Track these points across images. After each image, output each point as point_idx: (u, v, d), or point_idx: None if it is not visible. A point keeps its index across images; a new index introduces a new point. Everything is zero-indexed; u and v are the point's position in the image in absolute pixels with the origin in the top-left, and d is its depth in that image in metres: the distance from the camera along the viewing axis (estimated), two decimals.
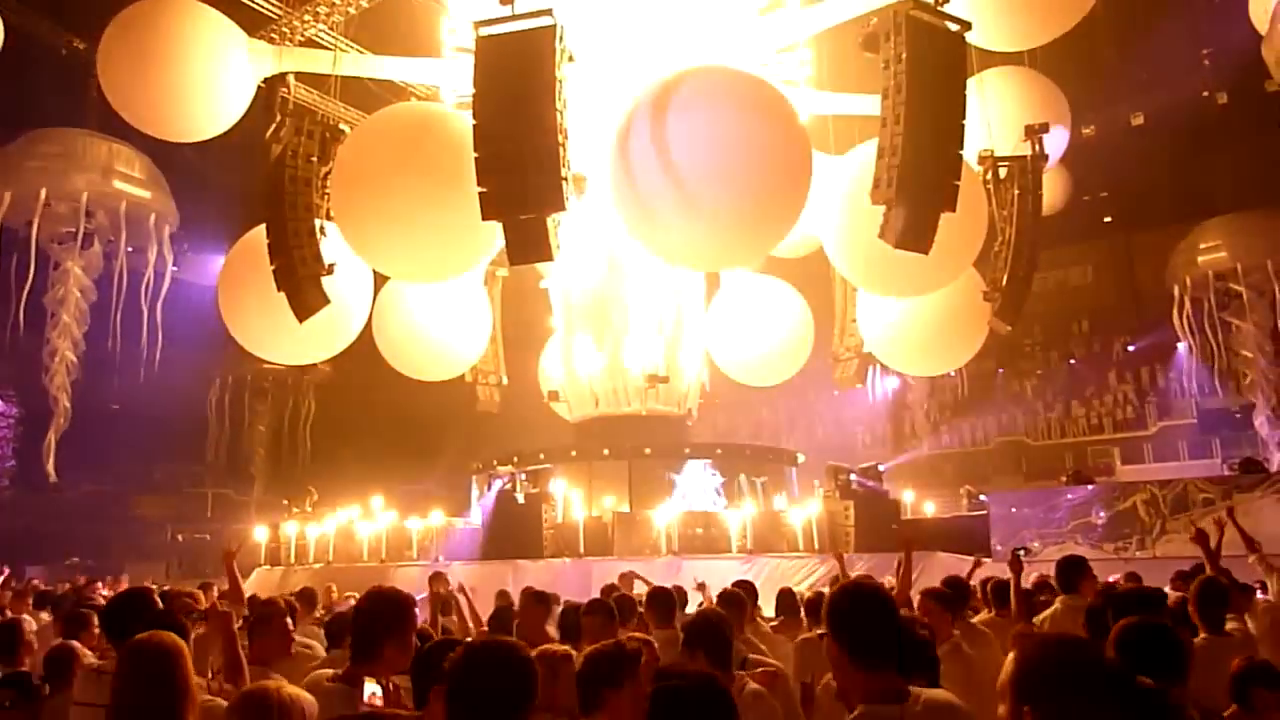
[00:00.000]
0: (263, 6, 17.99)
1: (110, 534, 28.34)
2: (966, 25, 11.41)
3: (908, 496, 17.25)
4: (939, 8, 11.24)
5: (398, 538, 16.11)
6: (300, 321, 13.11)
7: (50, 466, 22.32)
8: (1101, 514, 26.80)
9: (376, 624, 3.37)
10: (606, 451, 17.56)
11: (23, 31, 20.49)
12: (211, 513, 31.88)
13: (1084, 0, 13.72)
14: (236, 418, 32.72)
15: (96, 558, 26.19)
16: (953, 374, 26.24)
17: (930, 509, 17.56)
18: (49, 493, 24.02)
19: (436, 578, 11.26)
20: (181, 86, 15.13)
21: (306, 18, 17.29)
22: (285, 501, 18.80)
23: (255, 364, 26.74)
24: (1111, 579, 10.10)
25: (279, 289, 12.99)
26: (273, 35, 17.23)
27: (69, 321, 21.71)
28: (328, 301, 13.12)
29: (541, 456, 17.73)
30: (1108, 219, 32.58)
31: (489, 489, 16.11)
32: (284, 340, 15.12)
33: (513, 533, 14.94)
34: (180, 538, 30.56)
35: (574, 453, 17.94)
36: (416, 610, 3.60)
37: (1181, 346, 27.43)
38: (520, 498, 15.53)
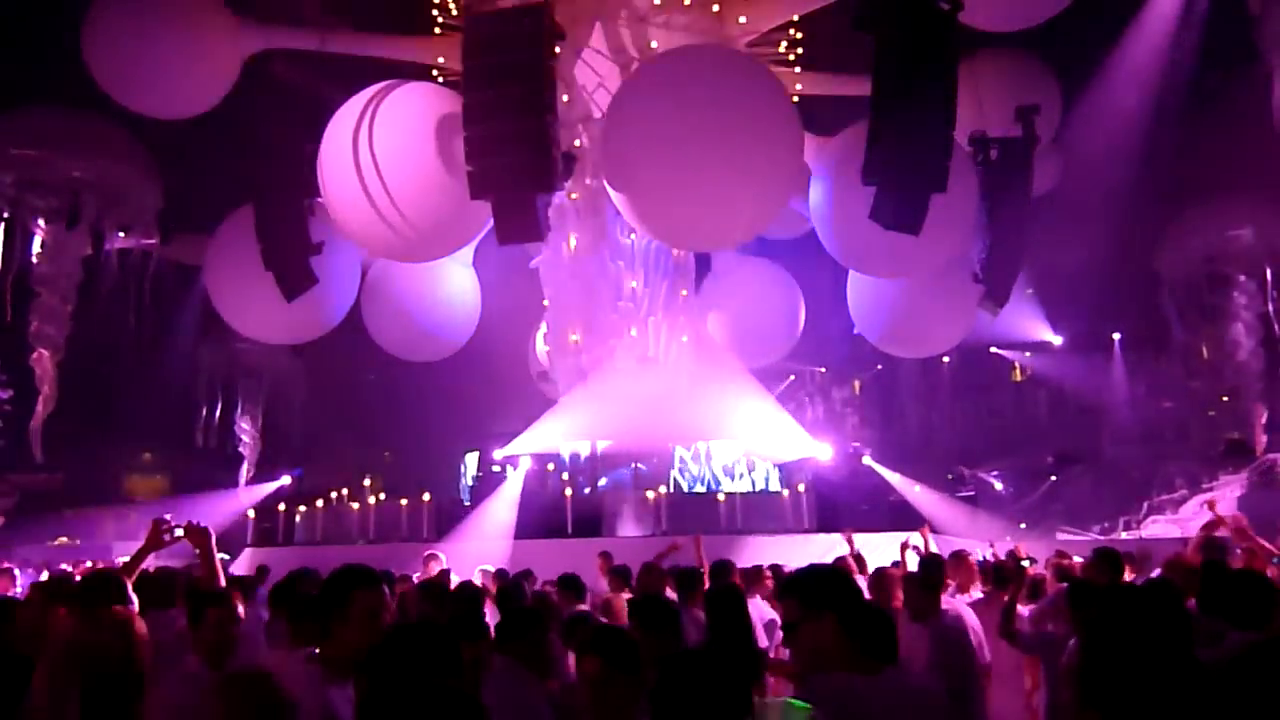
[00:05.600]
0: None
1: (98, 515, 28.26)
2: (958, 5, 11.37)
3: (895, 477, 17.33)
4: None
5: (387, 517, 16.10)
6: (288, 301, 13.07)
7: (37, 447, 22.22)
8: (1087, 495, 26.98)
9: (337, 599, 3.38)
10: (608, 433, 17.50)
11: (6, 8, 20.24)
12: (201, 493, 31.80)
13: None
14: (225, 398, 32.58)
15: (84, 539, 26.15)
16: (945, 359, 26.34)
17: (917, 489, 17.65)
18: (37, 473, 23.95)
19: (430, 558, 11.31)
20: (168, 63, 14.98)
21: None
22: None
23: (244, 344, 26.58)
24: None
25: (267, 268, 12.94)
26: (260, 13, 17.02)
27: (55, 302, 21.54)
28: (316, 281, 13.08)
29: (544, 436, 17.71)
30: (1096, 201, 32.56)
31: (514, 470, 15.93)
32: (272, 320, 15.06)
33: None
34: (170, 516, 30.47)
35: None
36: (383, 591, 3.52)
37: (1171, 328, 27.55)
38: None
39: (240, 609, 4.48)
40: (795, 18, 17.19)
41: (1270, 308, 24.85)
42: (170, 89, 15.44)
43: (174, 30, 14.86)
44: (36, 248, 21.47)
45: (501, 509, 14.70)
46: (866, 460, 16.86)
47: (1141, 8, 18.17)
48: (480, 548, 13.19)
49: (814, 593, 3.05)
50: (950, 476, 19.44)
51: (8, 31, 19.70)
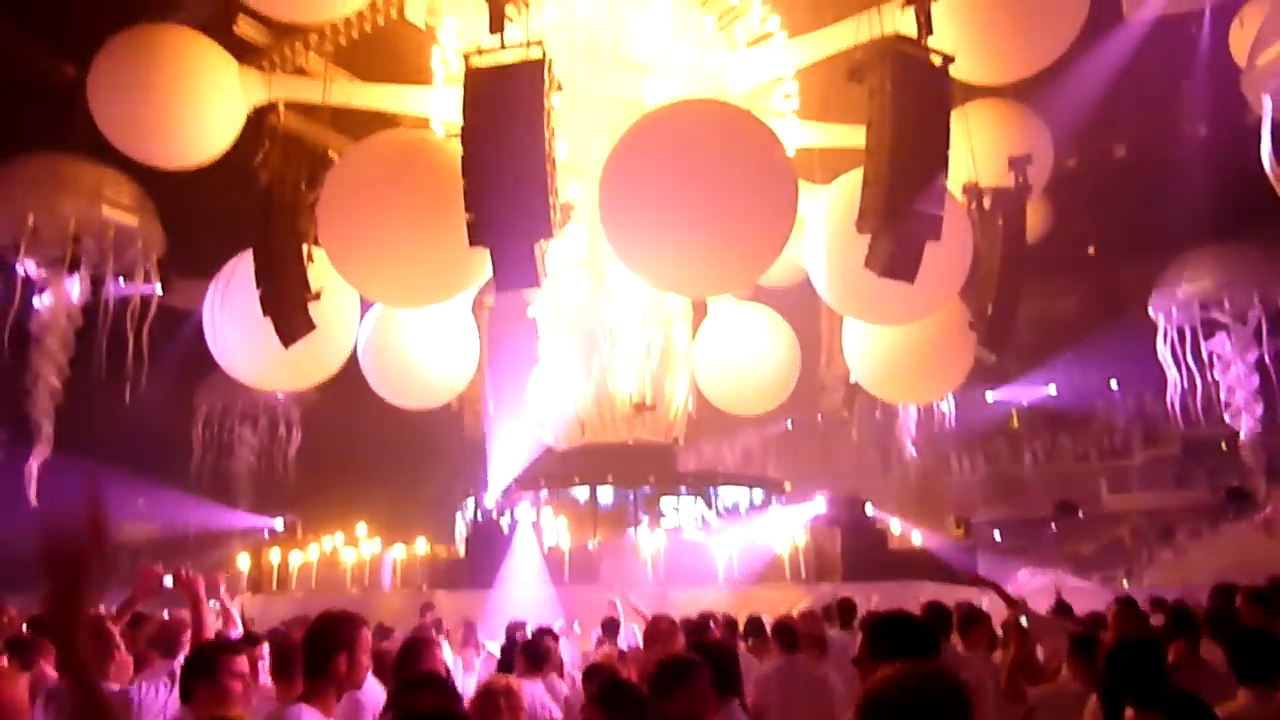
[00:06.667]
0: (254, 36, 18.06)
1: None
2: (950, 58, 11.57)
3: (895, 526, 17.24)
4: (922, 42, 11.40)
5: (381, 566, 15.99)
6: (285, 347, 13.07)
7: (32, 492, 22.09)
8: (1088, 544, 26.79)
9: (326, 640, 3.44)
10: (611, 479, 17.49)
11: (13, 57, 20.55)
12: (194, 542, 31.55)
13: (1064, 36, 13.93)
14: (221, 444, 32.49)
15: None
16: (941, 405, 26.28)
17: (917, 538, 17.54)
18: (31, 518, 23.71)
19: (426, 608, 11.23)
20: (172, 114, 15.15)
21: (298, 46, 17.37)
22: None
23: (241, 390, 26.56)
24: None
25: (265, 314, 12.96)
26: (264, 64, 17.30)
27: (53, 346, 21.56)
28: (313, 327, 13.09)
29: (541, 482, 17.74)
30: (1091, 249, 32.87)
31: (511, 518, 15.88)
32: (269, 366, 15.07)
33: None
34: (161, 567, 30.15)
35: (576, 478, 17.85)
36: (368, 631, 3.65)
37: (1167, 375, 27.59)
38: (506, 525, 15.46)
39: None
40: (791, 70, 17.49)
41: (1265, 353, 24.89)
42: (175, 139, 15.59)
43: (180, 81, 15.06)
44: (36, 293, 21.55)
45: (525, 557, 14.64)
46: (868, 509, 16.74)
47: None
48: (515, 595, 13.10)
49: (884, 640, 3.18)
50: (950, 524, 19.24)
51: (12, 78, 19.96)
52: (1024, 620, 6.76)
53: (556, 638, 7.14)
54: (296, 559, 16.49)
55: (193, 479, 32.02)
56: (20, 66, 21.08)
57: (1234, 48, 17.47)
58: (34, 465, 22.27)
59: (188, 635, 5.10)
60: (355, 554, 16.28)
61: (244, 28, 17.77)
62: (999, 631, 7.21)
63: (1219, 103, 21.80)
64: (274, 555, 16.78)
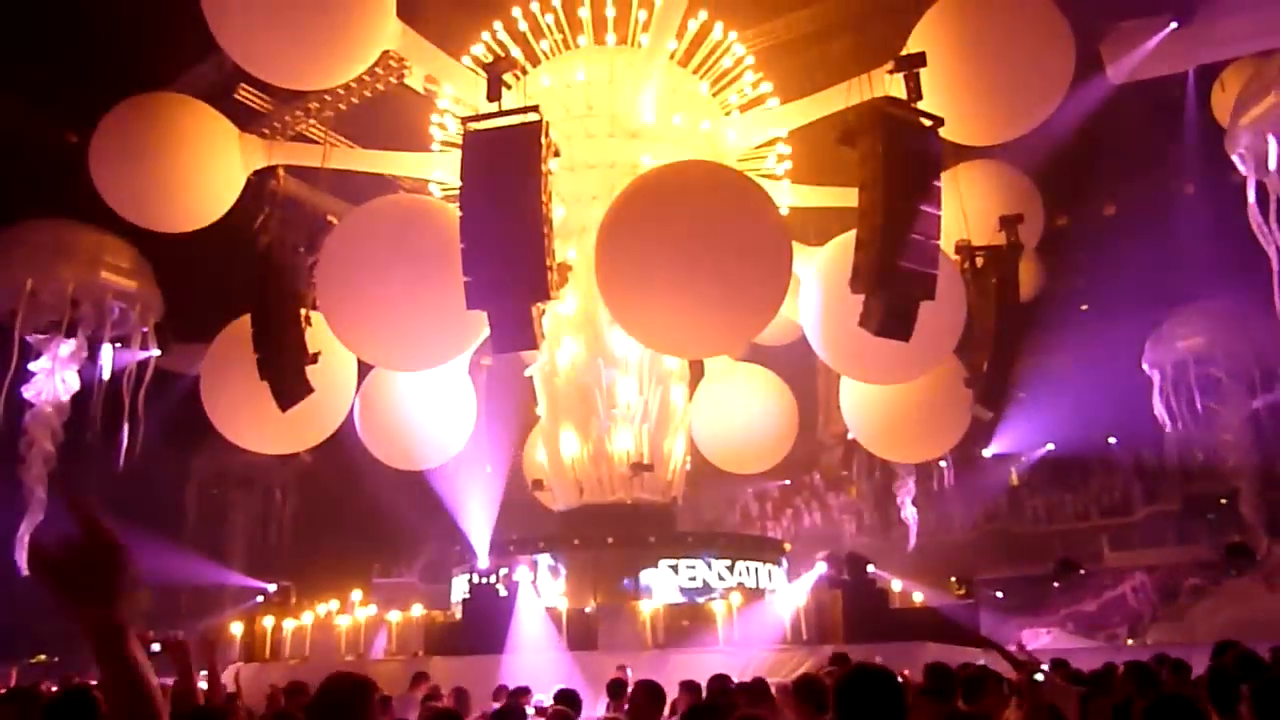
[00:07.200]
0: (255, 102, 18.39)
1: (80, 629, 27.53)
2: (939, 121, 11.77)
3: (896, 585, 17.04)
4: (912, 105, 11.61)
5: (377, 631, 15.74)
6: (283, 410, 13.04)
7: (23, 559, 21.80)
8: (1091, 602, 26.54)
9: (339, 708, 3.37)
10: (611, 540, 17.30)
11: (16, 124, 20.82)
12: (187, 607, 31.11)
13: (1051, 99, 14.18)
14: (215, 508, 32.25)
15: (65, 655, 25.41)
16: (942, 464, 26.20)
17: (918, 598, 17.33)
18: (19, 587, 23.39)
19: (420, 678, 11.02)
20: (172, 180, 15.31)
21: (298, 113, 17.67)
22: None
23: (236, 453, 26.43)
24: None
25: (262, 378, 12.95)
26: (264, 129, 17.55)
27: (48, 411, 21.48)
28: (311, 390, 13.07)
29: (541, 545, 17.56)
30: (1084, 306, 33.01)
31: (511, 579, 15.66)
32: (266, 429, 15.00)
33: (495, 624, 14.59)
34: (152, 632, 29.71)
35: (576, 541, 17.67)
36: (378, 696, 3.58)
37: (1165, 431, 27.59)
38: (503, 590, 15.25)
39: None
40: (784, 134, 17.79)
41: (1260, 407, 24.92)
42: (175, 204, 15.71)
43: (180, 147, 15.25)
44: (32, 358, 21.53)
45: (525, 621, 14.40)
46: (870, 569, 16.55)
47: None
48: (516, 661, 12.86)
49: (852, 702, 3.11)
50: (951, 583, 18.97)
51: (13, 145, 20.18)
52: (1039, 676, 6.65)
53: (579, 702, 6.96)
54: (290, 625, 16.24)
55: (187, 543, 31.68)
56: (22, 134, 21.34)
57: (1216, 110, 17.84)
58: (24, 533, 22.02)
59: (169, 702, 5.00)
60: (350, 619, 16.04)
61: (244, 95, 18.10)
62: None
63: (1206, 160, 22.14)
64: (267, 621, 16.53)
